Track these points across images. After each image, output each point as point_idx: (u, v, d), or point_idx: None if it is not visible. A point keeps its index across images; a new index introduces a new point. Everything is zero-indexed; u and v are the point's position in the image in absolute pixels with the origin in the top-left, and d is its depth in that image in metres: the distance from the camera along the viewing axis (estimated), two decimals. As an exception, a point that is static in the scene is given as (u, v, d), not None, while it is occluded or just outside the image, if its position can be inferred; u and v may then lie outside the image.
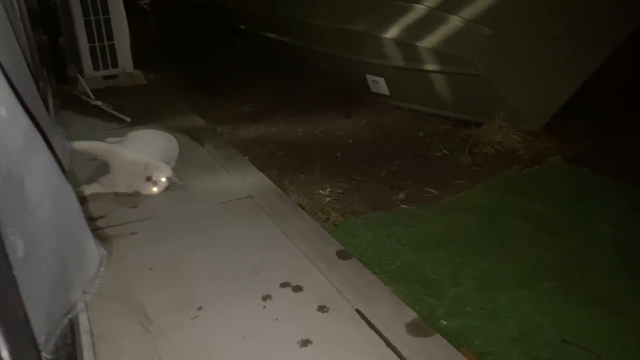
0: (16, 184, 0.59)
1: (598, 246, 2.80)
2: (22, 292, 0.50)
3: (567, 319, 2.26)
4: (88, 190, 2.94)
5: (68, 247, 0.75)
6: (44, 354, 0.59)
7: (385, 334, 1.88)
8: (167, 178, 2.94)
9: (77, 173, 3.13)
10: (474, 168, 3.78)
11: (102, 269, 0.83)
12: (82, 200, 2.80)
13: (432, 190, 3.44)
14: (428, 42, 4.23)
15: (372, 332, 1.90)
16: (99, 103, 4.65)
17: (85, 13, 5.12)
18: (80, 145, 2.99)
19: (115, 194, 3.00)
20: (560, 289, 2.44)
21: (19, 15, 2.10)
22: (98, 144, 3.07)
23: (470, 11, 4.16)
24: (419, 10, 4.39)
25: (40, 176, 0.66)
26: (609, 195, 3.33)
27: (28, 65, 1.34)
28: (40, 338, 0.58)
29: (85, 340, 1.74)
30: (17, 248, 0.54)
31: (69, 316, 0.71)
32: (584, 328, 2.21)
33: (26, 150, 0.63)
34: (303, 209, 2.96)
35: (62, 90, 5.13)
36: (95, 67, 5.34)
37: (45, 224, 0.65)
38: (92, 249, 0.82)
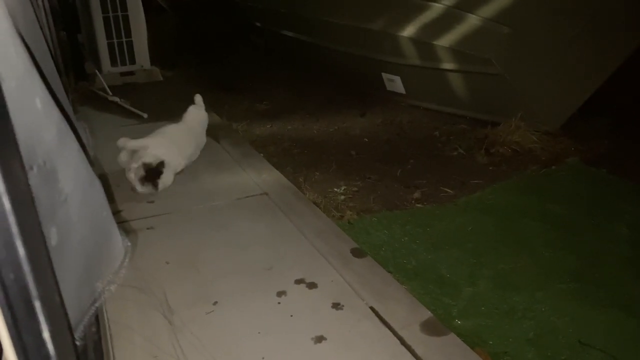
0: (51, 174, 0.60)
1: (616, 248, 2.77)
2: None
3: (583, 320, 2.24)
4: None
5: (96, 238, 0.76)
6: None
7: (400, 332, 1.88)
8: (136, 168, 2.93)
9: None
10: (490, 168, 3.75)
11: (127, 260, 0.85)
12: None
13: (448, 190, 3.42)
14: (445, 40, 4.21)
15: (386, 330, 1.90)
16: (117, 99, 4.70)
17: (104, 10, 5.17)
18: (121, 142, 3.10)
19: (132, 188, 3.03)
20: (577, 291, 2.42)
21: (43, 11, 2.14)
22: (134, 141, 3.13)
23: (488, 10, 4.13)
24: (437, 8, 4.37)
25: (71, 167, 0.68)
26: (627, 196, 3.29)
27: (53, 59, 1.36)
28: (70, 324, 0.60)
29: (108, 328, 1.76)
30: (51, 237, 0.55)
31: (96, 305, 0.73)
32: (600, 330, 2.19)
33: (59, 142, 0.65)
34: (318, 206, 2.96)
35: (81, 87, 5.20)
36: (113, 63, 5.40)
37: (75, 214, 0.67)
38: (118, 240, 0.83)
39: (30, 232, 0.44)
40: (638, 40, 4.23)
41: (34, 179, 0.55)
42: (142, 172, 2.92)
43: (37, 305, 0.44)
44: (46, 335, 0.44)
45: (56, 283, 0.49)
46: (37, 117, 0.60)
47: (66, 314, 0.52)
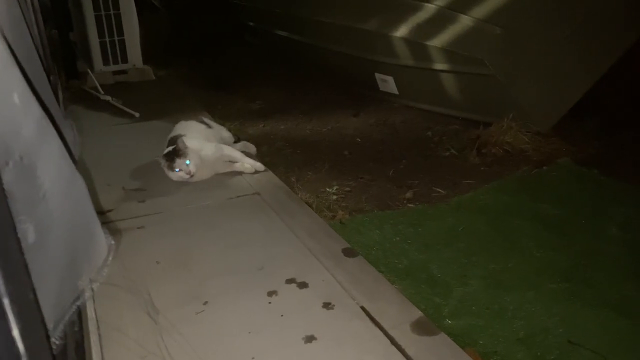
0: (28, 170, 0.59)
1: (607, 248, 2.78)
2: (32, 277, 0.51)
3: (574, 320, 2.25)
4: None
5: (77, 235, 0.75)
6: (52, 340, 0.59)
7: (391, 332, 1.88)
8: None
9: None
10: (482, 168, 3.76)
11: (110, 258, 0.84)
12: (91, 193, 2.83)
13: (440, 190, 3.42)
14: (438, 41, 4.21)
15: (377, 329, 1.90)
16: (109, 98, 4.67)
17: (96, 8, 5.15)
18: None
19: (123, 188, 3.03)
20: (567, 290, 2.43)
21: (31, 8, 2.12)
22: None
23: (481, 10, 4.14)
24: (430, 9, 4.38)
25: (51, 164, 0.67)
26: (618, 197, 3.31)
27: (39, 57, 1.35)
28: (49, 324, 0.59)
29: (92, 328, 1.75)
30: (27, 234, 0.54)
31: (77, 303, 0.72)
32: (591, 330, 2.19)
33: (38, 138, 0.64)
34: (310, 206, 2.96)
35: (72, 85, 5.17)
36: (105, 62, 5.37)
37: (56, 211, 0.66)
38: (101, 238, 0.82)
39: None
40: (630, 41, 4.26)
41: (9, 174, 0.54)
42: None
43: (6, 302, 0.43)
44: (15, 333, 0.43)
45: (30, 281, 0.48)
46: (15, 112, 0.59)
47: (40, 312, 0.51)
